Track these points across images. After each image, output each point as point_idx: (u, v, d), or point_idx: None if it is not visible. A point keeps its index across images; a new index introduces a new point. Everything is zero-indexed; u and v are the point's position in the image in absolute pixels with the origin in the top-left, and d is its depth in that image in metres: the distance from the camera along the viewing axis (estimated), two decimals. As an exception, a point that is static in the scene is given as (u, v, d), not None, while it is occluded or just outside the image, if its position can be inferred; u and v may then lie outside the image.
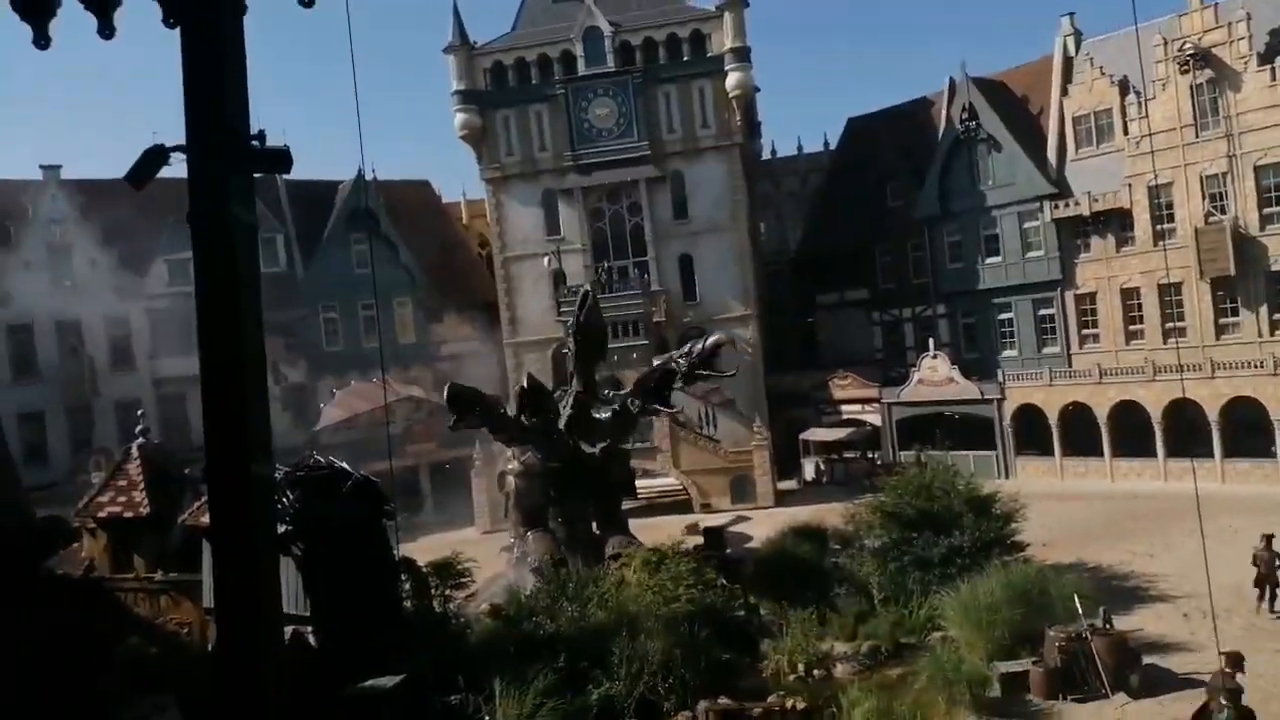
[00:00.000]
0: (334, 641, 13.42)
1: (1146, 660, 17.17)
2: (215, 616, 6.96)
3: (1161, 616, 19.83)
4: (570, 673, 16.51)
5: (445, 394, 26.03)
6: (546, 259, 43.75)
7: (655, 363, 27.26)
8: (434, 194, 53.33)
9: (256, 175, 7.00)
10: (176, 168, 6.72)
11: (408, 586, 19.01)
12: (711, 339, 26.13)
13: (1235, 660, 13.42)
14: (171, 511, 18.37)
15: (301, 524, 13.91)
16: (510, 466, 27.17)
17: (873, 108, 49.13)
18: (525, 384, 26.20)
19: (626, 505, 28.79)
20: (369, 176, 45.27)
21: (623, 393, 27.22)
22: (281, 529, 13.52)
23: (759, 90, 47.92)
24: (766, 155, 53.92)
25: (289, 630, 12.97)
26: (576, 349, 25.98)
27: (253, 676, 6.45)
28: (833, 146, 51.09)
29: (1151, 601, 20.94)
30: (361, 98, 9.75)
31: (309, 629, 13.98)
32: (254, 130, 6.49)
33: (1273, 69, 32.71)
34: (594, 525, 26.41)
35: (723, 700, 16.84)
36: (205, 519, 14.33)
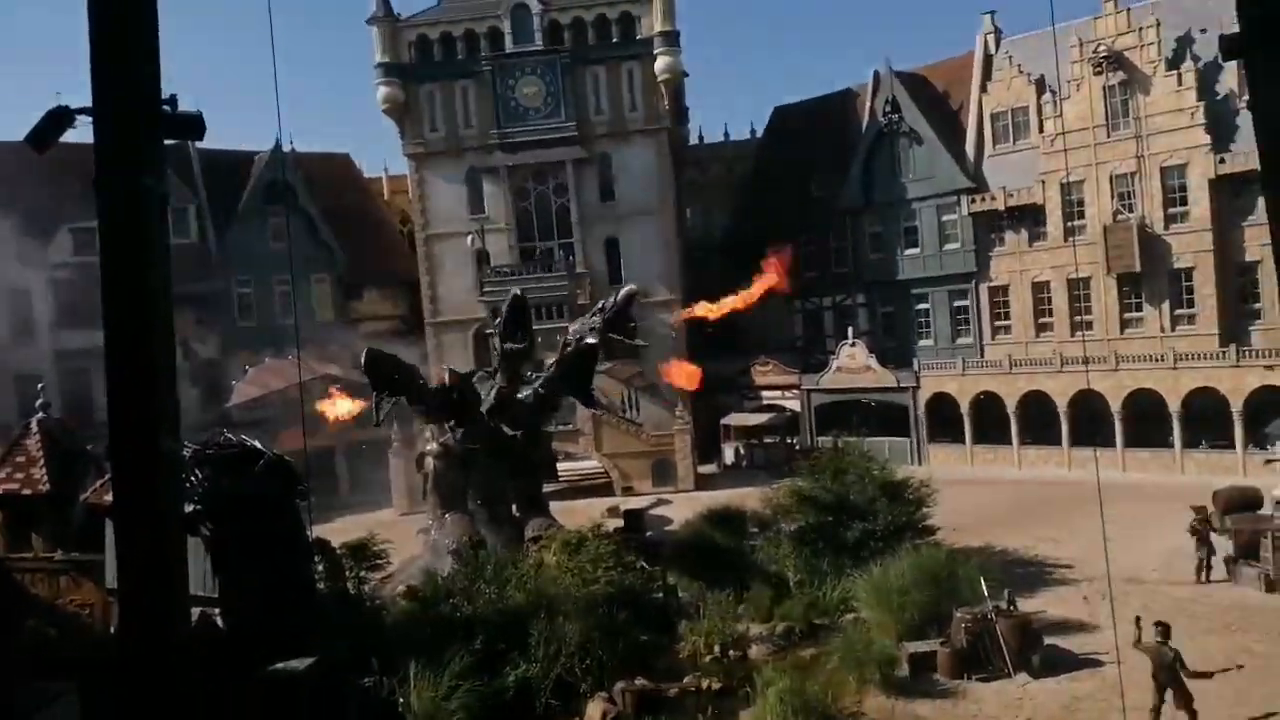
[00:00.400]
0: (244, 624, 13.10)
1: (1048, 641, 17.82)
2: (118, 598, 6.74)
3: (1063, 599, 20.58)
4: (487, 655, 16.46)
5: (364, 358, 25.27)
6: (470, 238, 43.22)
7: (571, 329, 27.12)
8: (355, 168, 52.16)
9: (168, 142, 6.74)
10: (82, 131, 6.42)
11: (321, 568, 18.68)
12: (622, 291, 26.26)
13: (1165, 630, 14.30)
14: (73, 489, 17.70)
15: (210, 503, 13.52)
16: (429, 448, 26.85)
17: (799, 98, 49.64)
18: (446, 379, 25.87)
19: (547, 488, 28.76)
20: (287, 148, 44.04)
21: (543, 374, 27.03)
22: (189, 508, 13.13)
23: (687, 75, 47.92)
24: (694, 141, 54.05)
25: (196, 612, 12.63)
26: (504, 353, 25.83)
27: (158, 660, 6.26)
28: (759, 135, 51.46)
29: (1054, 584, 21.73)
30: (281, 68, 9.45)
31: (217, 611, 13.63)
32: (165, 95, 6.24)
33: (1179, 74, 33.97)
34: (514, 508, 26.30)
35: (639, 681, 16.97)
36: (108, 497, 13.84)
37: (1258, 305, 33.22)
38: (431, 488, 26.90)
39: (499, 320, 26.90)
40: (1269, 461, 26.34)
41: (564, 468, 39.31)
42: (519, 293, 26.69)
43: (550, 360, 26.90)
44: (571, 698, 16.60)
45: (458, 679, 15.51)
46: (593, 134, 43.58)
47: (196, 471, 13.71)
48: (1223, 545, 21.68)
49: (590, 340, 25.50)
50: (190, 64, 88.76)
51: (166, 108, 6.22)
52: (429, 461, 26.75)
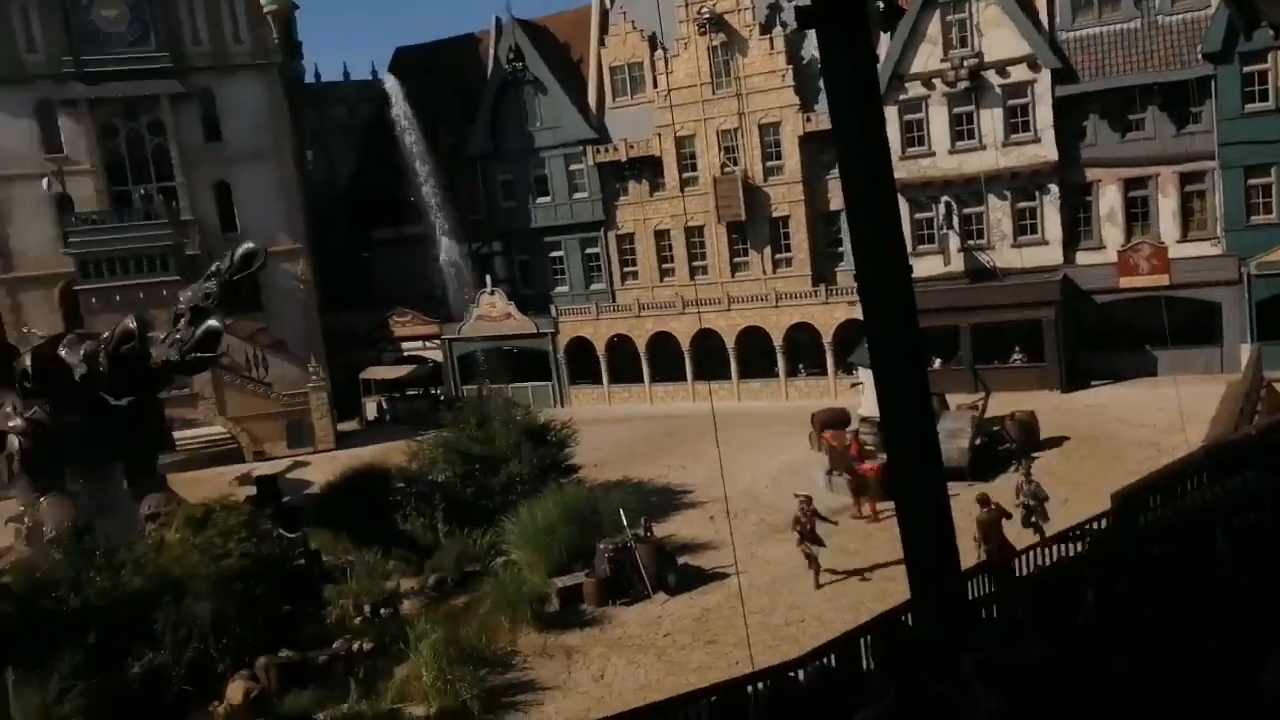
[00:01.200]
0: None
1: (681, 560, 19.28)
2: None
3: (692, 521, 22.35)
4: (104, 649, 14.74)
5: None
6: (46, 181, 37.59)
7: (183, 296, 24.23)
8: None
9: None
10: None
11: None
12: (239, 249, 23.61)
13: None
14: None
15: None
16: (13, 424, 23.26)
17: (420, 41, 48.25)
18: (29, 364, 22.41)
19: (165, 459, 26.11)
20: None
21: (155, 347, 23.94)
22: None
23: (298, 8, 44.92)
24: (310, 80, 50.78)
25: None
26: (110, 364, 22.68)
27: None
28: (381, 77, 49.42)
29: (684, 508, 23.52)
30: None
31: None
32: None
33: (770, 39, 37.30)
34: (125, 484, 23.61)
35: (284, 653, 16.08)
36: None
37: (841, 249, 37.69)
38: (19, 469, 23.41)
39: (109, 339, 23.07)
40: (854, 385, 30.20)
41: (182, 436, 35.91)
42: (131, 325, 22.85)
43: (163, 335, 23.92)
44: (209, 680, 15.37)
45: (69, 679, 13.77)
46: (191, 66, 39.46)
47: None
48: (818, 460, 24.61)
49: (212, 323, 22.80)
50: None
51: None
52: (12, 440, 23.23)
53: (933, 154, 33.76)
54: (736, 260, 39.11)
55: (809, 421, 27.76)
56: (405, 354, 42.32)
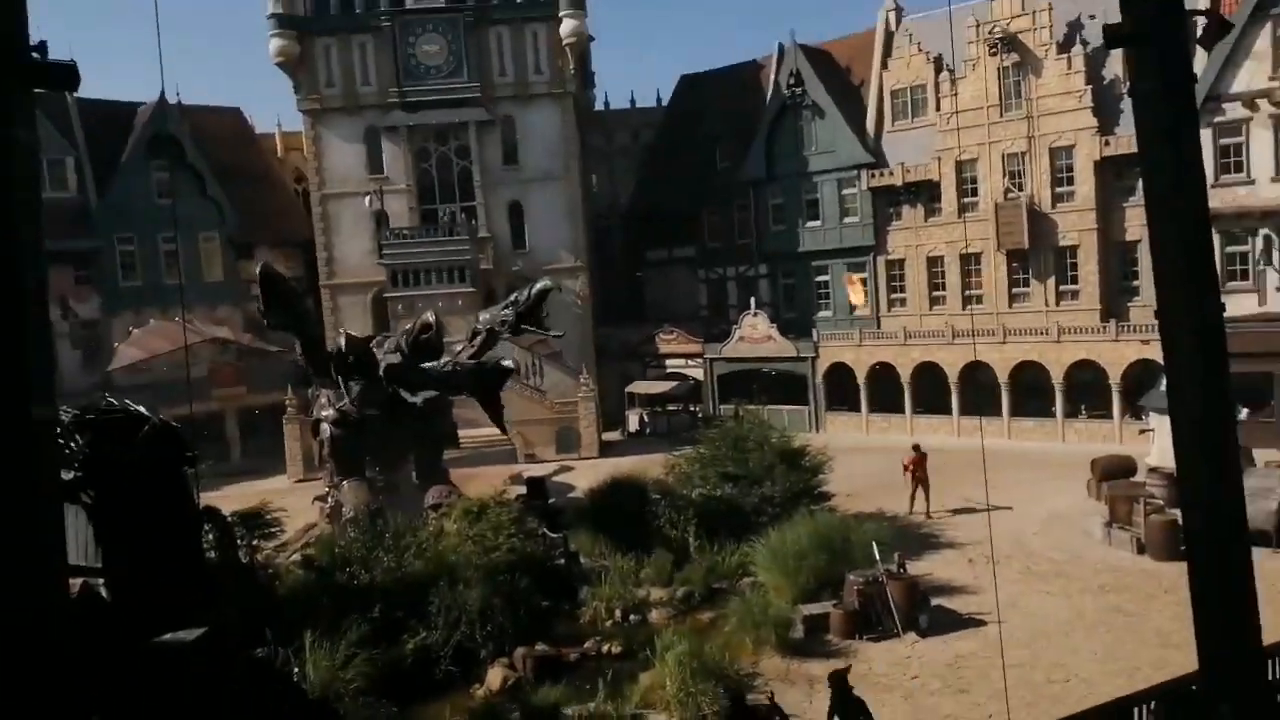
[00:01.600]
0: (129, 594, 12.62)
1: (934, 602, 18.50)
2: (-11, 570, 6.39)
3: (949, 562, 21.37)
4: (385, 623, 16.27)
5: (259, 272, 24.44)
6: (368, 198, 42.13)
7: (482, 318, 26.78)
8: (246, 123, 50.11)
9: (38, 92, 6.34)
10: (-57, 73, 5.99)
11: (211, 537, 18.11)
12: (537, 286, 26.10)
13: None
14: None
15: (92, 470, 12.94)
16: (325, 414, 26.23)
17: (706, 67, 49.68)
18: (342, 344, 25.25)
19: (448, 455, 28.41)
20: (172, 100, 42.11)
21: (454, 363, 26.60)
22: (69, 475, 12.55)
23: (594, 39, 47.56)
24: (600, 107, 53.66)
25: (78, 583, 12.11)
26: (411, 351, 25.36)
27: (34, 632, 6.00)
28: (665, 103, 51.37)
29: (941, 548, 22.54)
30: (165, 17, 8.98)
31: (101, 581, 13.11)
32: (34, 41, 5.85)
33: (1068, 58, 35.15)
34: (414, 475, 25.96)
35: (540, 646, 17.03)
36: (-21, 465, 13.10)
37: (1136, 283, 34.82)
38: (328, 454, 26.36)
39: (411, 330, 26.11)
40: (1143, 431, 27.74)
41: (466, 434, 38.87)
42: (430, 319, 25.90)
43: (461, 348, 26.62)
44: (471, 664, 16.56)
45: (355, 648, 15.30)
46: (496, 95, 42.86)
47: (76, 437, 13.09)
48: (1098, 510, 22.80)
49: (506, 364, 25.58)
50: (68, 14, 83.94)
51: (36, 55, 5.85)
52: (325, 428, 26.17)
53: (1252, 182, 30.41)
54: (1015, 290, 37.10)
55: (1088, 468, 25.77)
56: (669, 370, 43.55)
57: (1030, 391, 35.44)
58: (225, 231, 43.68)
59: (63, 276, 38.22)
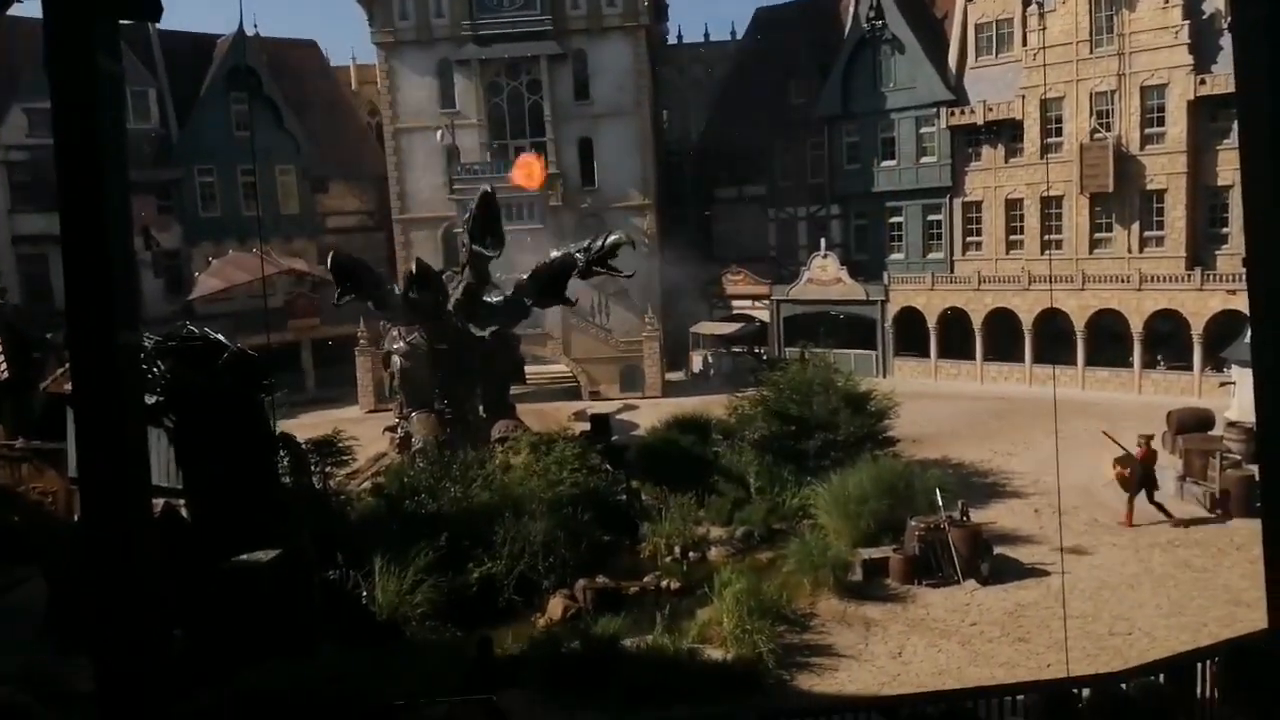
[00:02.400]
0: (208, 515, 13.18)
1: (997, 550, 18.37)
2: (80, 486, 6.73)
3: (1014, 511, 21.14)
4: (451, 552, 16.71)
5: (329, 263, 25.78)
6: (440, 133, 42.25)
7: (553, 255, 26.95)
8: (321, 56, 50.44)
9: (123, 23, 6.46)
10: (31, 6, 6.13)
11: (286, 463, 18.73)
12: (611, 238, 26.07)
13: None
14: (33, 377, 17.55)
15: (173, 395, 13.45)
16: (396, 346, 26.78)
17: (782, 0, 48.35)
18: (414, 268, 25.68)
19: (514, 390, 28.82)
20: (251, 33, 42.52)
21: (517, 281, 26.98)
22: (152, 400, 13.06)
23: (668, -30, 46.56)
24: (673, 41, 52.75)
25: (160, 503, 12.68)
26: (471, 255, 25.67)
27: (120, 548, 6.30)
28: (740, 37, 50.29)
29: (1006, 497, 22.29)
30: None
31: (181, 502, 13.69)
32: (119, -31, 5.95)
33: (1167, -9, 33.46)
34: (480, 408, 26.42)
35: (600, 579, 17.38)
36: (68, 386, 13.71)
37: (1225, 230, 33.45)
38: (398, 386, 26.95)
39: (468, 218, 26.60)
40: (1223, 384, 26.89)
41: (532, 370, 39.29)
42: (489, 189, 26.35)
43: (523, 275, 26.91)
44: (534, 594, 16.98)
45: (422, 574, 15.78)
46: (568, 29, 42.38)
47: (159, 363, 13.59)
48: (1172, 464, 22.27)
49: (619, 235, 26.40)
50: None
51: (120, -16, 5.95)
52: (395, 360, 26.72)
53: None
54: (1097, 236, 35.95)
55: (1164, 420, 25.13)
56: (734, 311, 43.33)
57: (1107, 340, 34.50)
58: (301, 164, 44.31)
59: (145, 206, 39.25)
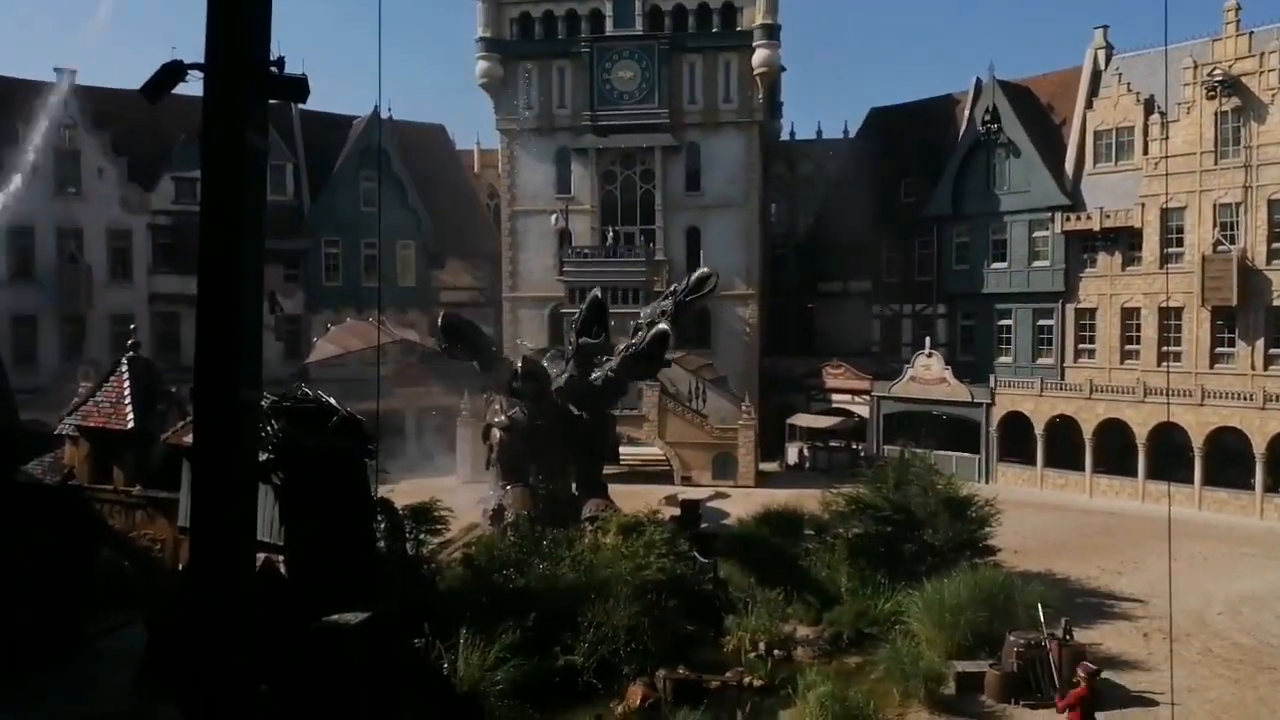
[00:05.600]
0: (304, 573, 13.52)
1: (1101, 674, 17.38)
2: (190, 537, 7.03)
3: (1122, 634, 20.04)
4: (536, 629, 16.67)
5: (440, 321, 26.82)
6: (554, 217, 43.56)
7: (643, 313, 27.40)
8: (448, 139, 52.93)
9: (271, 102, 6.94)
10: (193, 85, 6.68)
11: (383, 527, 19.13)
12: (696, 274, 26.62)
13: None
14: (156, 428, 18.46)
15: (283, 454, 13.96)
16: (497, 420, 27.26)
17: (897, 101, 48.86)
18: (519, 366, 26.27)
19: (608, 470, 28.94)
20: (385, 116, 44.95)
21: (612, 358, 27.24)
22: (263, 457, 13.58)
23: (785, 70, 47.58)
24: (785, 137, 53.60)
25: (261, 557, 13.07)
26: (577, 349, 26.21)
27: (223, 599, 6.53)
28: (852, 135, 50.81)
29: (1114, 618, 21.16)
30: (385, 38, 9.69)
31: (281, 558, 14.08)
32: (274, 57, 6.45)
33: (1299, 104, 32.56)
34: (574, 486, 26.56)
35: (682, 670, 17.08)
36: (188, 438, 14.38)
37: (1359, 351, 31.78)
38: (496, 458, 27.34)
39: (577, 316, 27.15)
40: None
41: (626, 452, 39.49)
42: (599, 294, 26.93)
43: (622, 344, 27.13)
44: (614, 679, 16.77)
45: (507, 652, 15.72)
46: (683, 122, 43.51)
47: (273, 422, 14.16)
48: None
49: (662, 326, 25.76)
50: (296, 24, 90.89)
51: (274, 69, 6.44)
52: (495, 433, 27.17)
53: None
54: (1218, 350, 34.52)
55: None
56: (833, 405, 42.81)
57: (1228, 460, 32.77)
58: (421, 240, 46.21)
59: (274, 273, 41.36)
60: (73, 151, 39.08)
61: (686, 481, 37.72)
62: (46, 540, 15.54)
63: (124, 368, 19.19)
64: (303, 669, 11.64)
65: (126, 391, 18.77)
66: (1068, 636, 17.69)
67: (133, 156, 39.93)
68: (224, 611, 6.47)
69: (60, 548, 15.86)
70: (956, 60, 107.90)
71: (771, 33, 42.33)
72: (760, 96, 43.36)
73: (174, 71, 6.57)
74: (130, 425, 18.42)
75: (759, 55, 42.27)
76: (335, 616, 12.04)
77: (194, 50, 6.41)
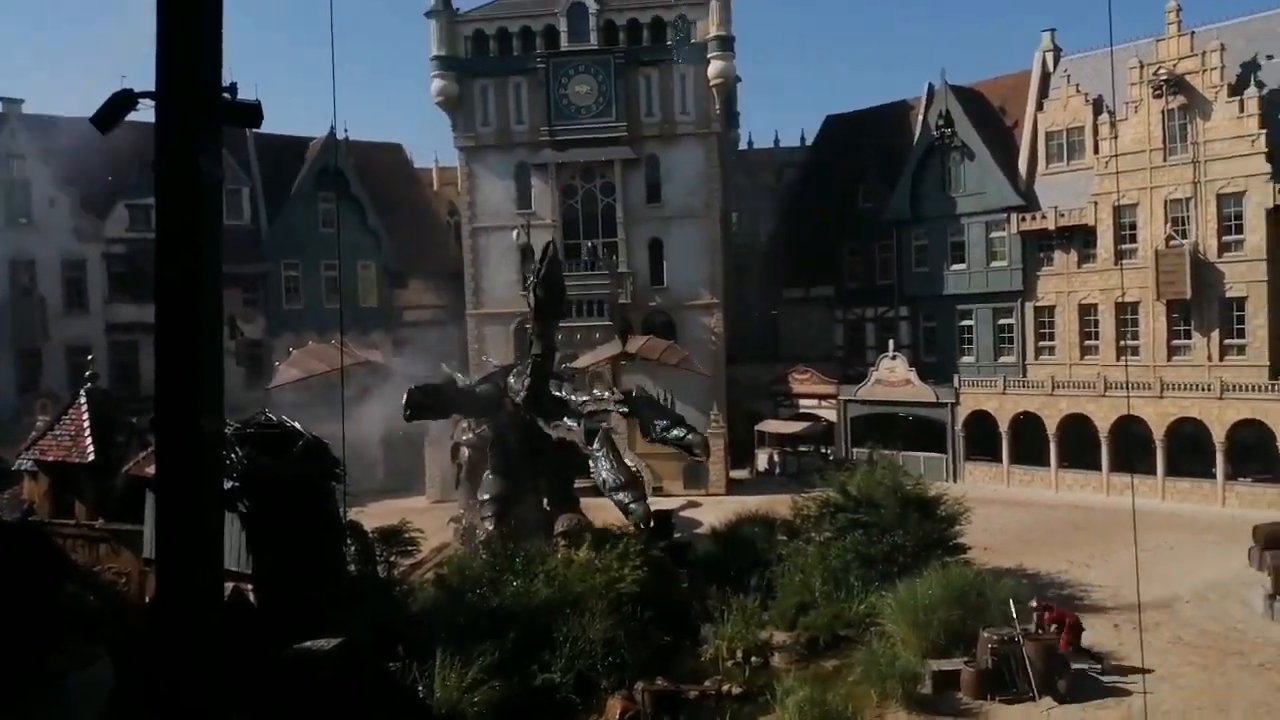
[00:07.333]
0: (274, 600, 13.37)
1: (1075, 666, 17.59)
2: (155, 568, 6.94)
3: (1092, 626, 20.21)
4: (517, 650, 16.55)
5: (405, 400, 25.30)
6: (515, 232, 43.45)
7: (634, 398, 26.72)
8: (405, 158, 52.63)
9: (225, 128, 6.88)
10: (144, 112, 6.62)
11: (353, 551, 18.96)
12: (689, 438, 25.83)
13: None
14: (116, 460, 18.16)
15: (249, 481, 13.81)
16: (465, 438, 27.15)
17: (852, 108, 49.38)
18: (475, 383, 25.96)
19: (579, 484, 28.85)
20: (341, 136, 44.64)
21: (582, 400, 26.96)
22: (228, 485, 13.42)
23: (740, 80, 47.88)
24: (743, 146, 53.97)
25: (229, 586, 12.90)
26: (536, 305, 25.82)
27: (190, 630, 6.44)
28: (809, 143, 51.27)
29: (1084, 610, 21.34)
30: (338, 59, 9.67)
31: (249, 586, 13.92)
32: (226, 83, 6.40)
33: (1241, 100, 33.30)
34: (545, 502, 26.48)
35: (660, 681, 17.06)
36: (150, 469, 14.18)
37: (1311, 339, 32.51)
38: (465, 477, 27.21)
39: (535, 268, 26.53)
40: (1314, 498, 25.76)
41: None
42: (553, 244, 26.39)
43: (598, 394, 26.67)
44: (592, 693, 16.71)
45: (484, 672, 15.58)
46: (642, 135, 43.65)
47: (237, 449, 14.00)
48: (1260, 581, 21.24)
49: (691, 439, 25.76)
50: (248, 48, 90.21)
51: (226, 95, 6.39)
52: (464, 451, 27.07)
53: None
54: (1175, 342, 35.18)
55: (1250, 534, 24.07)
56: (801, 410, 43.05)
57: (1188, 450, 33.38)
58: (381, 260, 45.89)
59: (233, 298, 40.87)
60: (23, 182, 38.43)
61: (658, 492, 37.71)
62: (9, 577, 15.22)
63: (83, 399, 18.87)
64: (275, 697, 11.49)
65: (86, 423, 18.45)
66: (1040, 630, 17.90)
67: (85, 185, 39.33)
68: (193, 643, 6.38)
69: (23, 584, 15.53)
70: (909, 67, 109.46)
71: (726, 44, 42.62)
72: (717, 107, 43.61)
73: (125, 101, 6.51)
74: (91, 458, 18.10)
75: (714, 66, 42.53)
76: (307, 643, 11.91)
77: (144, 76, 6.36)
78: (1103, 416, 34.93)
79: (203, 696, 6.44)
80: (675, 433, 25.23)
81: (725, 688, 17.17)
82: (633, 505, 23.24)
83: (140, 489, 16.03)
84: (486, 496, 25.38)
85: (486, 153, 44.50)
